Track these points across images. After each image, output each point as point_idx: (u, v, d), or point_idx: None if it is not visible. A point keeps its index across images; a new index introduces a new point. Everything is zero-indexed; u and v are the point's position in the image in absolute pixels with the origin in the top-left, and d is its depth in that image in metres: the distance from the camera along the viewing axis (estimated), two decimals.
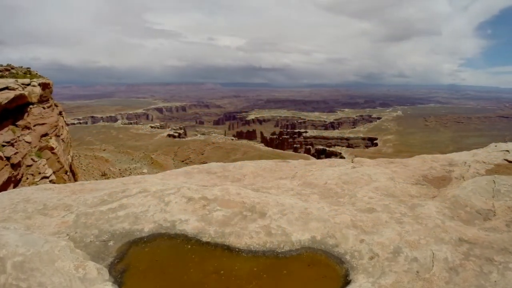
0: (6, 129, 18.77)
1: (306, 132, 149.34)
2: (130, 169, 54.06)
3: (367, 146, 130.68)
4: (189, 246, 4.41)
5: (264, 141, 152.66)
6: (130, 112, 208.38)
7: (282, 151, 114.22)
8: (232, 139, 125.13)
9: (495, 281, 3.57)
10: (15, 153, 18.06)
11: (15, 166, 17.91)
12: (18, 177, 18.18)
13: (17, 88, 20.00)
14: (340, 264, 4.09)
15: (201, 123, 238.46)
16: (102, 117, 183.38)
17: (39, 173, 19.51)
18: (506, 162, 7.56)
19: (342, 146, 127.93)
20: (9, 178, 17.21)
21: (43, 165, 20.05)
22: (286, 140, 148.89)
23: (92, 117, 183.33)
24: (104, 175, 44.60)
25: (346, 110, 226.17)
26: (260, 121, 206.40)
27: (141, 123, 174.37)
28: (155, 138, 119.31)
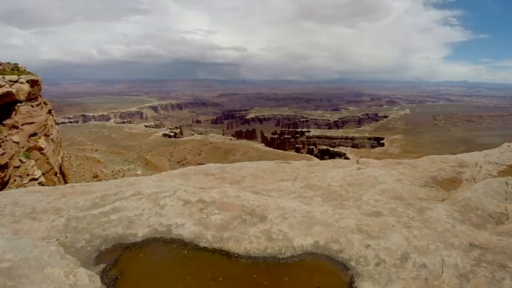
0: None
1: (308, 131, 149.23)
2: (124, 170, 54.05)
3: (373, 146, 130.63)
4: (186, 252, 4.41)
5: (265, 141, 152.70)
6: (124, 111, 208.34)
7: (283, 151, 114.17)
8: (231, 139, 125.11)
9: None
10: (2, 154, 18.06)
11: (2, 168, 17.91)
12: (5, 179, 18.18)
13: (4, 85, 19.99)
14: (344, 271, 4.09)
15: (198, 122, 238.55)
16: (93, 116, 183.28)
17: (28, 175, 19.50)
18: None
19: (347, 146, 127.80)
20: None
21: (32, 167, 20.05)
22: (288, 140, 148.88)
23: (83, 115, 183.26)
24: (96, 177, 44.60)
25: (351, 108, 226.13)
26: (260, 120, 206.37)
27: (135, 122, 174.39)
28: (149, 138, 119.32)
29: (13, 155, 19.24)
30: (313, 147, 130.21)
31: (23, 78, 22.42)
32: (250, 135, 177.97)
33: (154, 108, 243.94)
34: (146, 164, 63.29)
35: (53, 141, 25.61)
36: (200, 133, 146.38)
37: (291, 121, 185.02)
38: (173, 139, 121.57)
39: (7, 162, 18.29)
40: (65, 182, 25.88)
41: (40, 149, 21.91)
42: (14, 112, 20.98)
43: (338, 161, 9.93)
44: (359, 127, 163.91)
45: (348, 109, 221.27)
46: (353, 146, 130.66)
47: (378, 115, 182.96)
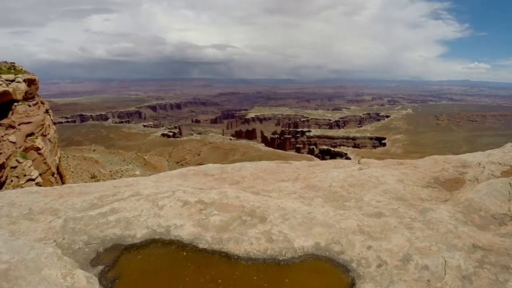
0: None
1: (309, 131, 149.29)
2: (122, 171, 54.11)
3: (374, 146, 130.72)
4: (185, 253, 4.41)
5: (265, 141, 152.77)
6: (122, 110, 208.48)
7: (283, 151, 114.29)
8: (231, 139, 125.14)
9: None
10: None
11: None
12: (2, 179, 18.18)
13: (1, 85, 20.01)
14: (345, 272, 4.09)
15: (197, 121, 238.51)
16: (91, 116, 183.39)
17: (25, 175, 19.50)
18: None
19: (348, 146, 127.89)
20: None
21: (29, 167, 20.04)
22: (288, 140, 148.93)
23: (81, 115, 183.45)
24: (93, 177, 44.65)
25: (352, 107, 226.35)
26: (260, 120, 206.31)
27: (133, 122, 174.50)
28: (148, 138, 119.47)
29: (10, 155, 19.24)
30: (314, 147, 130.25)
31: (20, 77, 22.42)
32: (250, 135, 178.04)
33: (153, 108, 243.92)
34: (145, 164, 63.39)
35: (50, 141, 25.61)
36: (200, 133, 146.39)
37: (291, 121, 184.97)
38: (172, 139, 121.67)
39: (3, 163, 18.28)
40: (63, 183, 25.87)
41: (37, 149, 21.91)
42: (11, 112, 20.99)
43: (339, 161, 9.93)
44: (361, 126, 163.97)
45: (349, 108, 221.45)
46: (355, 146, 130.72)
47: (380, 114, 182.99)
